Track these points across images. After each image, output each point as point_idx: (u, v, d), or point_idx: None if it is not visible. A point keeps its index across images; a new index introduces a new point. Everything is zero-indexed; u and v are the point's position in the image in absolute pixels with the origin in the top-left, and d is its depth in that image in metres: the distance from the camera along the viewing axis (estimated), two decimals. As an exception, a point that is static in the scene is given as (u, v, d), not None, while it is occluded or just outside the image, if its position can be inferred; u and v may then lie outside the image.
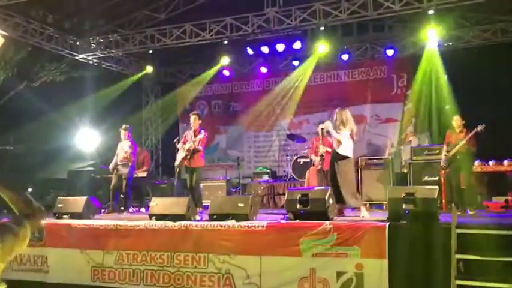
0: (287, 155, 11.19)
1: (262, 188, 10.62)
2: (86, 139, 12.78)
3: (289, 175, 10.68)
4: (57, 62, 12.52)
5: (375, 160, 9.54)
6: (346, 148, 7.09)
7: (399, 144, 11.35)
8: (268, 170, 11.60)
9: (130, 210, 9.16)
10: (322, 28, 9.68)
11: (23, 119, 11.91)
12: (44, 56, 12.01)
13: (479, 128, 7.23)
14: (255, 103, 12.72)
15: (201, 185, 9.06)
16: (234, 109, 13.27)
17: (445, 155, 7.64)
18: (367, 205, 9.01)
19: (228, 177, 11.06)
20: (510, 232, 5.05)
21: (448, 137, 7.73)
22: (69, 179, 11.88)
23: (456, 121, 7.64)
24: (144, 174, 10.11)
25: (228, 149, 13.27)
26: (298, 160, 10.58)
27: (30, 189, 10.93)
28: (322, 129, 7.48)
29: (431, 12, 8.81)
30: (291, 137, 11.39)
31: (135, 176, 9.79)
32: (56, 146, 12.49)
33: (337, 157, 7.11)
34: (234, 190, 10.86)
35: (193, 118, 8.13)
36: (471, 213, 7.12)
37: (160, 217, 6.80)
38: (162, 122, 13.85)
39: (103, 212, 8.85)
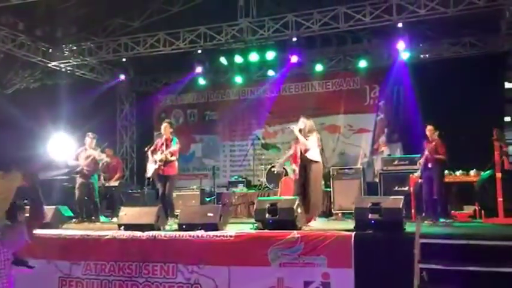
0: (262, 164, 11.24)
1: (236, 197, 10.61)
2: (59, 147, 12.61)
3: (263, 184, 10.72)
4: (31, 69, 12.39)
5: (346, 170, 9.68)
6: (315, 154, 7.25)
7: (372, 154, 11.51)
8: (243, 179, 11.62)
9: (101, 219, 9.05)
10: (294, 39, 9.79)
11: (-4, 126, 11.69)
12: (18, 63, 11.87)
13: (435, 134, 7.37)
14: (231, 112, 12.77)
15: (174, 194, 9.01)
16: (210, 118, 13.28)
17: (419, 164, 7.77)
18: (339, 214, 9.16)
19: (202, 187, 11.04)
20: (471, 242, 5.15)
21: (424, 146, 7.82)
22: (41, 187, 11.66)
23: (429, 131, 7.74)
24: (116, 183, 10.02)
25: (203, 158, 13.24)
26: (272, 169, 10.63)
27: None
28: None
29: (400, 25, 9.00)
30: (265, 146, 11.45)
31: (106, 185, 9.72)
32: (28, 154, 12.28)
33: (307, 162, 7.19)
34: (208, 199, 10.84)
35: (164, 126, 8.09)
36: (446, 222, 7.24)
37: (129, 227, 6.75)
38: (137, 130, 13.75)
39: (74, 221, 8.74)
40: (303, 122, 7.41)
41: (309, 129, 7.31)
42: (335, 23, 9.06)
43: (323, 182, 9.07)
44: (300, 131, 7.32)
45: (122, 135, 13.73)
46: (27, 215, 3.26)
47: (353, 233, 5.63)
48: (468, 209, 8.49)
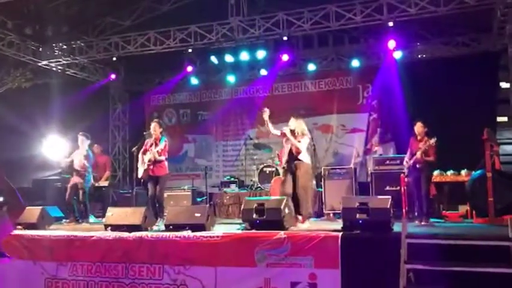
0: (254, 164, 11.18)
1: (228, 197, 10.55)
2: (52, 147, 12.53)
3: (255, 184, 10.65)
4: (23, 68, 12.30)
5: (337, 170, 9.60)
6: (304, 156, 7.18)
7: (365, 154, 11.44)
8: (235, 179, 11.54)
9: (91, 220, 8.97)
10: (285, 38, 9.71)
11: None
12: (9, 62, 11.78)
13: (432, 141, 7.26)
14: (223, 112, 12.69)
15: (166, 194, 8.94)
16: (203, 118, 13.19)
17: (406, 162, 7.67)
18: (330, 215, 9.10)
19: (194, 187, 10.96)
20: (457, 242, 5.10)
21: (411, 144, 7.64)
22: (34, 188, 11.60)
23: (417, 128, 7.57)
24: (106, 183, 9.96)
25: (196, 158, 13.17)
26: (264, 169, 10.57)
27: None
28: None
29: (391, 24, 8.95)
30: (257, 146, 11.39)
31: (96, 185, 9.65)
32: (22, 154, 12.21)
33: (296, 162, 7.12)
34: (200, 200, 10.77)
35: (153, 125, 7.96)
36: (436, 222, 7.20)
37: (116, 227, 6.70)
38: (130, 130, 13.65)
39: (64, 221, 8.68)
40: (294, 122, 7.35)
41: (302, 133, 7.25)
42: (326, 22, 9.01)
43: (314, 182, 9.03)
44: (292, 132, 7.24)
45: (115, 135, 13.63)
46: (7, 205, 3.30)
47: (340, 234, 5.58)
48: (462, 209, 8.45)
